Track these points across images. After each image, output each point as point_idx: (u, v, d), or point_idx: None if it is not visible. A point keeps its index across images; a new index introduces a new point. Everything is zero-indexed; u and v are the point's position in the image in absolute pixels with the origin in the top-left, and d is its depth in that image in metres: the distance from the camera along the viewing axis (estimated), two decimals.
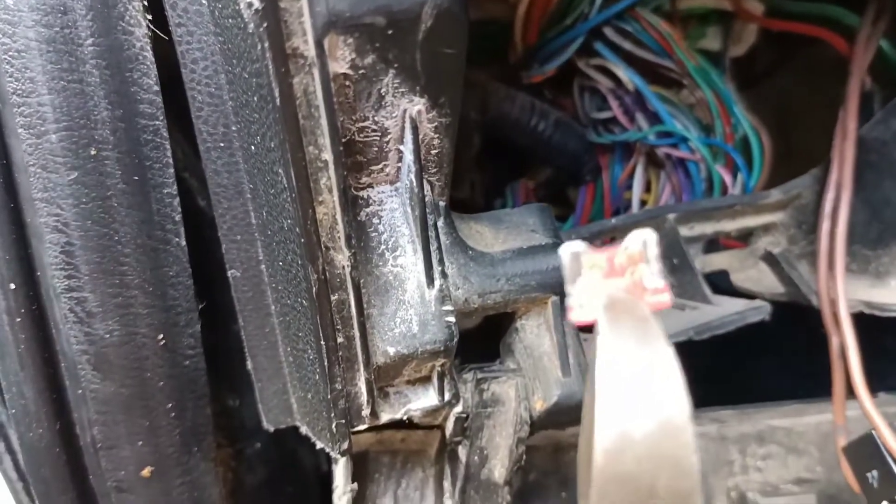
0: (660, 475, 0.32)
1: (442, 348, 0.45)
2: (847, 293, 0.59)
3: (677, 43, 0.73)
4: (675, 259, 0.65)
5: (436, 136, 0.42)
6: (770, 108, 0.95)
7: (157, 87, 0.45)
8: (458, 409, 0.51)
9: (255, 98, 0.38)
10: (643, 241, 0.36)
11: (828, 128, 0.74)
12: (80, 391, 0.48)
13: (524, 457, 0.52)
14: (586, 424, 0.37)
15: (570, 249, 0.36)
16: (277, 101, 0.35)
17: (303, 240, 0.39)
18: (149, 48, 0.45)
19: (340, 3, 0.33)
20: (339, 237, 0.41)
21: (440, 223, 0.47)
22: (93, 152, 0.44)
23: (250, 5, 0.32)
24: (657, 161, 0.79)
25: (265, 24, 0.33)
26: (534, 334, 0.51)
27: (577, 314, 0.36)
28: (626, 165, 0.80)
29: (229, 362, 0.59)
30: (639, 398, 0.32)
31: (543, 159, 0.86)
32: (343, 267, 0.41)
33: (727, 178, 0.74)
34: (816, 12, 0.74)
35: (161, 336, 0.48)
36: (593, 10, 0.70)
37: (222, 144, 0.47)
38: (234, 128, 0.46)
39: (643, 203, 0.81)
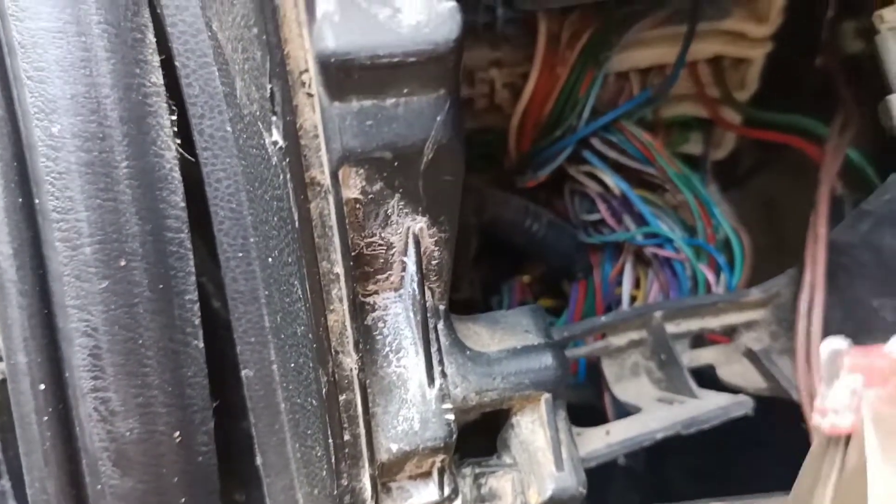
0: None
1: (442, 445, 0.48)
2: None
3: (659, 151, 0.78)
4: (662, 355, 0.68)
5: (436, 248, 0.46)
6: (757, 203, 1.00)
7: (182, 204, 0.50)
8: (458, 503, 0.54)
9: (275, 218, 0.43)
10: None
11: None
12: (99, 486, 0.51)
13: None
14: None
15: (832, 347, 0.33)
16: (296, 223, 0.39)
17: (315, 345, 0.43)
18: (177, 169, 0.49)
19: (353, 141, 0.38)
20: (347, 342, 0.44)
21: (440, 326, 0.50)
22: (123, 263, 0.48)
23: (275, 143, 0.37)
24: (645, 259, 0.83)
25: (288, 160, 0.37)
26: (528, 430, 0.54)
27: (831, 420, 0.33)
28: (615, 263, 0.85)
29: (237, 458, 0.62)
30: None
31: (538, 258, 0.91)
32: (351, 370, 0.45)
33: (710, 277, 0.78)
34: (789, 122, 0.80)
35: (178, 433, 0.51)
36: (581, 122, 0.76)
37: (241, 254, 0.51)
38: (252, 240, 0.50)
39: (633, 299, 0.84)
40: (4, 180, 0.48)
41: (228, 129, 0.49)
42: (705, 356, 0.73)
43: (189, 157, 0.50)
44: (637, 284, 0.85)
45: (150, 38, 0.48)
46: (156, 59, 0.49)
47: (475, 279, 0.89)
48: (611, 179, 0.78)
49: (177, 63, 0.49)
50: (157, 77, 0.49)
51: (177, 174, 0.50)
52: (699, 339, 0.75)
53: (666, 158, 0.78)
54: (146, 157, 0.49)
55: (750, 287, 0.75)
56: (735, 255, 0.79)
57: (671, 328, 0.69)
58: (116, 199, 0.48)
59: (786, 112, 0.84)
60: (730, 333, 0.74)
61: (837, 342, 0.33)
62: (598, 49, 0.75)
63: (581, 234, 0.85)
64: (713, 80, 0.85)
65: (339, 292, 0.43)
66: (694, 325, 0.71)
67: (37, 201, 0.48)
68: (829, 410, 0.33)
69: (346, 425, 0.46)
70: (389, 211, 0.42)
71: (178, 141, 0.50)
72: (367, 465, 0.47)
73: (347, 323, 0.43)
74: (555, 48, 0.75)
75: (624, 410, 0.75)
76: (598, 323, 0.68)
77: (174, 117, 0.50)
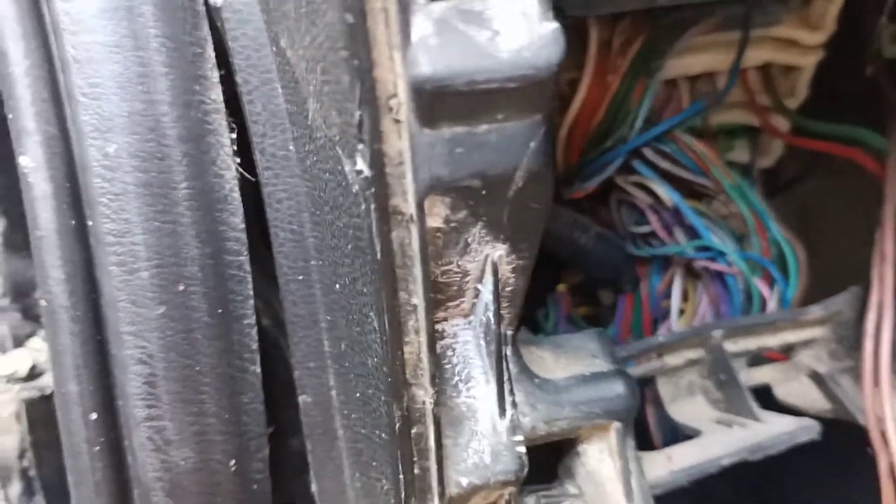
0: None
1: (514, 478, 0.46)
2: (894, 412, 0.61)
3: (713, 162, 0.76)
4: (721, 375, 0.66)
5: (512, 275, 0.44)
6: (793, 210, 0.98)
7: (242, 226, 0.47)
8: None
9: (349, 246, 0.40)
10: None
11: (852, 230, 0.76)
12: None
13: None
14: None
15: None
16: (377, 254, 0.37)
17: (389, 379, 0.41)
18: (237, 189, 0.47)
19: (442, 170, 0.36)
20: (422, 375, 0.42)
21: (508, 352, 0.48)
22: (181, 288, 0.46)
23: (359, 172, 0.35)
24: (694, 272, 0.81)
25: (372, 189, 0.35)
26: (596, 459, 0.52)
27: None
28: (663, 276, 0.83)
29: (286, 479, 0.60)
30: None
31: (584, 270, 0.89)
32: (424, 402, 0.43)
33: (765, 291, 0.76)
34: (842, 133, 0.78)
35: (233, 462, 0.49)
36: (633, 133, 0.74)
37: (301, 278, 0.49)
38: (313, 263, 0.48)
39: (681, 312, 0.82)
40: (56, 202, 0.46)
41: (291, 148, 0.47)
42: (762, 375, 0.71)
43: (250, 178, 0.48)
44: (685, 297, 0.83)
45: (210, 52, 0.46)
46: (216, 75, 0.46)
47: None
48: (663, 190, 0.76)
49: (238, 79, 0.46)
50: (217, 94, 0.47)
51: (237, 195, 0.48)
52: (755, 359, 0.73)
53: (720, 169, 0.76)
54: (206, 178, 0.47)
55: (805, 304, 0.73)
56: (790, 268, 0.76)
57: (729, 346, 0.67)
58: (175, 222, 0.46)
59: (835, 121, 0.81)
60: (787, 352, 0.71)
61: None
62: (651, 56, 0.72)
63: (628, 246, 0.83)
64: (763, 88, 0.83)
65: (416, 324, 0.41)
66: (752, 343, 0.68)
67: (90, 224, 0.46)
68: None
69: (415, 459, 0.44)
70: (470, 239, 0.40)
71: (238, 160, 0.48)
72: (436, 499, 0.45)
73: (423, 355, 0.41)
74: (606, 55, 0.73)
75: (672, 429, 0.74)
76: (655, 343, 0.66)
77: (234, 136, 0.48)
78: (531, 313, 0.90)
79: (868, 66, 0.88)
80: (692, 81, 0.80)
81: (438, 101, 0.33)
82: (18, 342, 0.70)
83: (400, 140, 0.35)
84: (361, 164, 0.34)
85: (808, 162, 0.96)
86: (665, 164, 0.76)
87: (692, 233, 0.78)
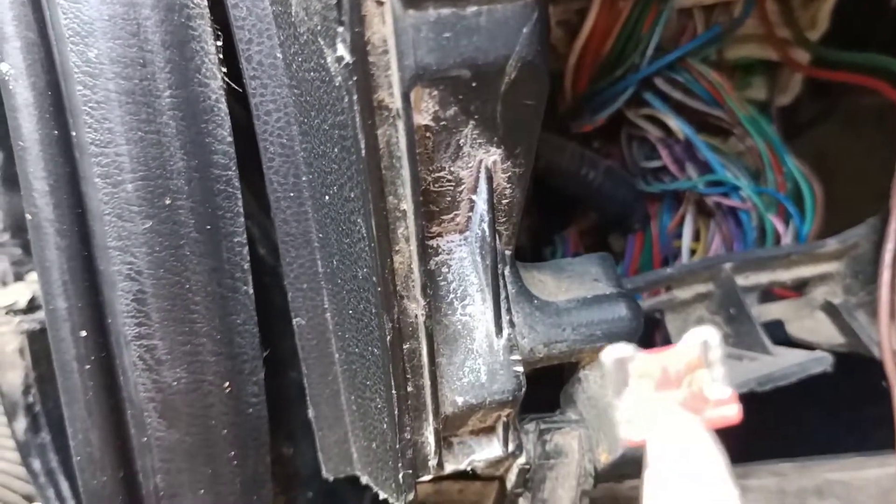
0: None
1: (510, 398, 0.45)
2: None
3: (728, 93, 0.73)
4: (732, 309, 0.64)
5: (508, 185, 0.42)
6: (809, 154, 0.96)
7: (230, 139, 0.46)
8: (522, 460, 0.50)
9: (336, 149, 0.39)
10: (703, 343, 0.30)
11: (866, 174, 0.73)
12: (145, 439, 0.48)
13: None
14: None
15: (615, 355, 0.31)
16: (363, 152, 0.35)
17: (379, 289, 0.39)
18: (223, 100, 0.46)
19: (428, 56, 0.34)
20: (413, 286, 0.41)
21: (506, 272, 0.47)
22: (167, 202, 0.45)
23: (340, 59, 0.33)
24: (706, 209, 0.79)
25: (354, 78, 0.33)
26: (597, 384, 0.51)
27: (626, 431, 0.30)
28: (674, 214, 0.80)
29: (285, 410, 0.59)
30: None
31: (593, 208, 0.87)
32: (416, 316, 0.41)
33: (780, 227, 0.73)
34: (864, 62, 0.75)
35: (227, 383, 0.48)
36: (644, 60, 0.71)
37: (292, 194, 0.47)
38: (304, 178, 0.46)
39: (692, 252, 0.80)
40: (38, 111, 0.45)
41: (279, 55, 0.45)
42: (773, 311, 0.69)
43: (236, 87, 0.46)
44: (696, 236, 0.80)
45: None
46: None
47: (525, 229, 0.85)
48: (675, 123, 0.73)
49: None
50: None
51: (223, 105, 0.46)
52: (766, 295, 0.71)
53: (736, 100, 0.73)
54: (190, 86, 0.45)
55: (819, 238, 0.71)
56: (806, 203, 0.74)
57: (740, 281, 0.65)
58: (160, 132, 0.44)
59: (859, 50, 0.78)
60: (800, 287, 0.69)
61: (621, 349, 0.31)
62: None
63: (639, 182, 0.81)
64: (782, 20, 0.79)
65: (406, 231, 0.39)
66: (764, 278, 0.66)
67: (73, 133, 0.44)
68: (622, 422, 0.30)
69: (409, 376, 0.43)
70: (462, 141, 0.38)
71: (224, 69, 0.46)
72: (430, 418, 0.44)
73: (414, 265, 0.40)
74: None
75: None
76: (664, 275, 0.64)
77: (219, 43, 0.46)
78: (539, 249, 0.88)
79: None
80: (707, 11, 0.77)
81: None
82: (19, 277, 0.70)
83: (384, 25, 0.33)
84: (342, 50, 0.32)
85: (826, 102, 0.93)
86: (677, 95, 0.73)
87: (705, 167, 0.75)
